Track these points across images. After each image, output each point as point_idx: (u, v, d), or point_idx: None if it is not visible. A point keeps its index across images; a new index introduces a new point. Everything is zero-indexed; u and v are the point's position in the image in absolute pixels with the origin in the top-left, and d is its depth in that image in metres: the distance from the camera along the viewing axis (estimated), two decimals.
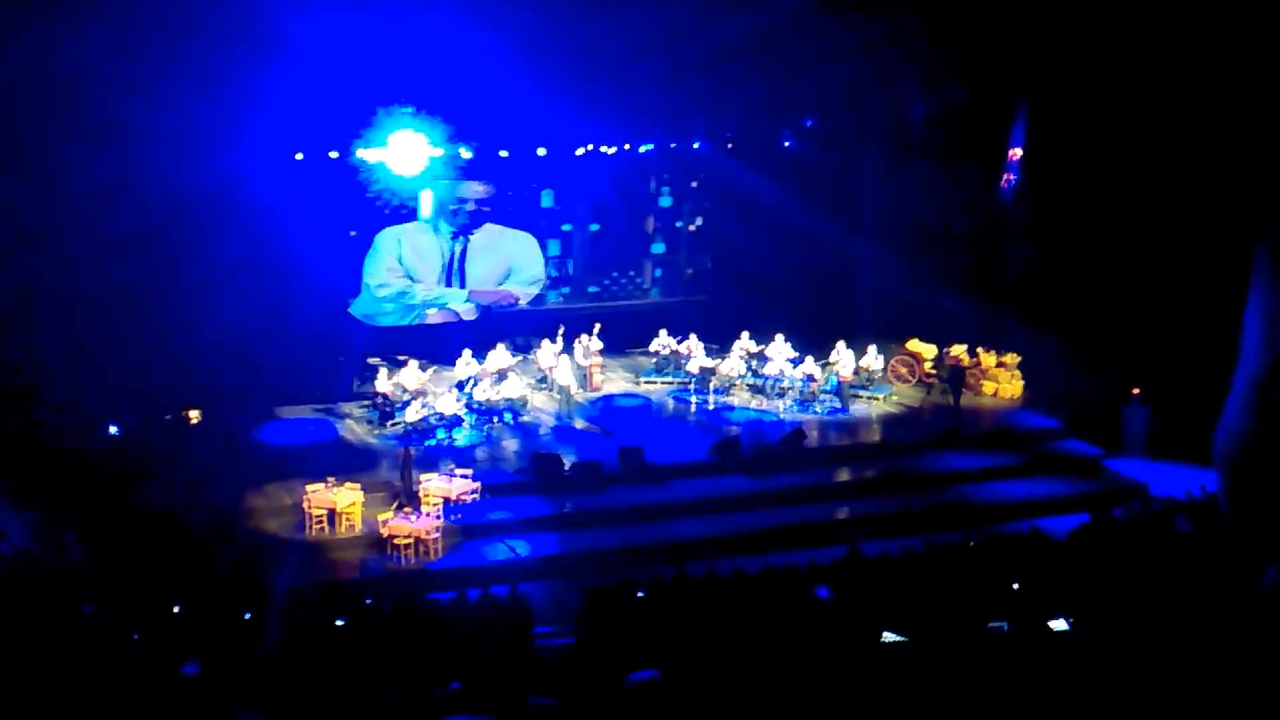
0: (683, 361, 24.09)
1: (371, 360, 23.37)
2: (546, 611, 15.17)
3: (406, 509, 17.89)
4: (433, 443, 20.58)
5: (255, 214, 21.88)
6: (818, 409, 22.97)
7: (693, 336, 24.30)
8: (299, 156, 22.20)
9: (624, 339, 25.45)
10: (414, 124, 22.50)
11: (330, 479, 18.19)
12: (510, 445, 21.01)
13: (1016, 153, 24.80)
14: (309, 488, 17.96)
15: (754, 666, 10.17)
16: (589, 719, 8.97)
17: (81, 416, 19.09)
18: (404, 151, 22.82)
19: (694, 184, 26.62)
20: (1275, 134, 15.15)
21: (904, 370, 24.35)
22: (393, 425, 21.18)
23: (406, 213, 24.38)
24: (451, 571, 17.06)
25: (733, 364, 23.61)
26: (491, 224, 25.14)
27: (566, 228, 25.99)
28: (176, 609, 13.37)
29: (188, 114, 19.63)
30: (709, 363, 23.63)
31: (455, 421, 21.04)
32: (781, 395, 23.24)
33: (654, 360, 24.68)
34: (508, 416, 21.85)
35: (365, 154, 22.73)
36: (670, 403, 23.60)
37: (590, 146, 24.70)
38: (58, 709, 9.29)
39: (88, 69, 18.39)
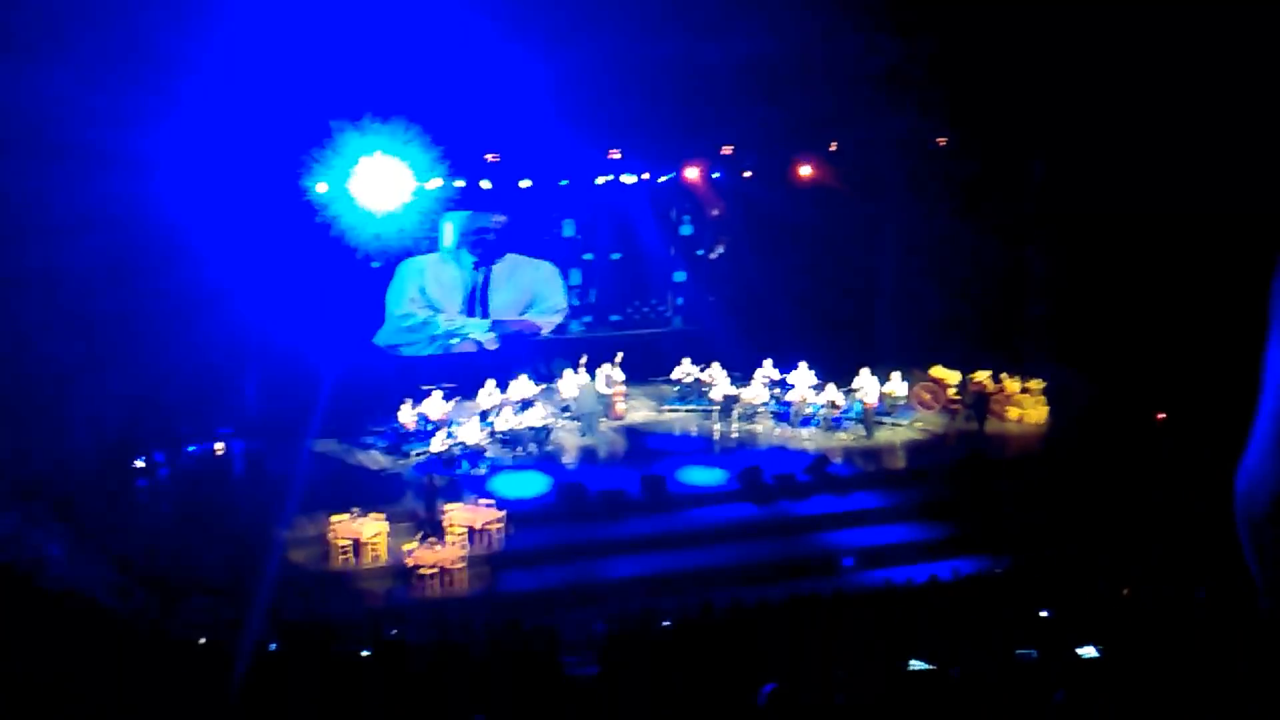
0: (705, 389, 24.10)
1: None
2: (572, 640, 15.13)
3: (431, 539, 17.93)
4: (457, 472, 20.62)
5: (273, 242, 21.96)
6: (842, 436, 22.94)
7: (715, 364, 24.31)
8: (323, 188, 22.22)
9: (647, 367, 25.49)
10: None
11: (355, 509, 18.25)
12: (535, 473, 21.03)
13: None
14: (333, 518, 18.03)
15: (781, 695, 10.12)
16: None
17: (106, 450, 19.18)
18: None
19: (715, 212, 26.65)
20: None
21: (928, 396, 24.29)
22: (416, 455, 21.25)
23: (428, 244, 24.49)
24: (476, 600, 17.08)
25: (756, 391, 23.60)
26: (513, 254, 25.23)
27: (588, 257, 26.06)
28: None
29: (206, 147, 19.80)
30: (732, 390, 23.63)
31: (479, 451, 21.10)
32: (805, 422, 23.22)
33: (677, 388, 24.70)
34: (532, 448, 21.88)
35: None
36: (693, 431, 23.60)
37: (611, 176, 24.78)
38: None
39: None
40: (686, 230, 26.78)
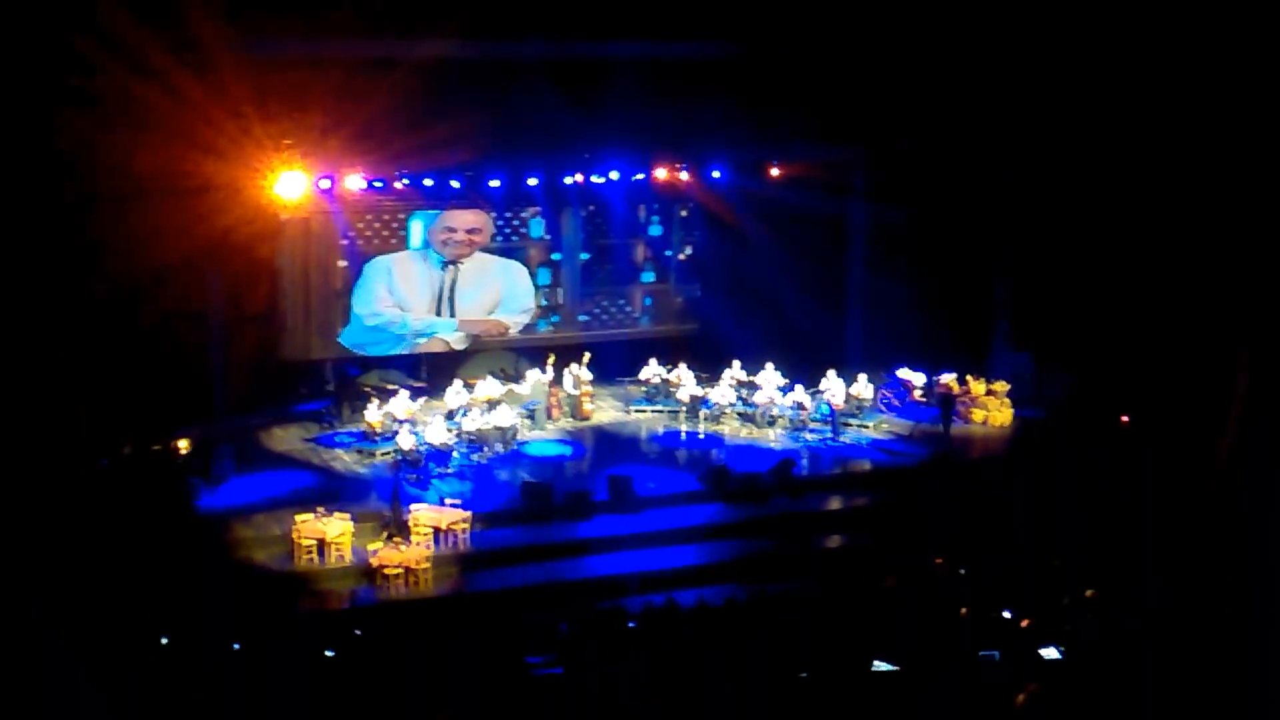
0: (673, 390, 24.09)
1: (364, 388, 23.35)
2: (537, 640, 15.08)
3: (396, 539, 17.84)
4: (423, 473, 20.52)
5: (248, 241, 21.80)
6: (808, 437, 22.98)
7: (682, 365, 24.31)
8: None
9: (614, 368, 25.44)
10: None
11: (319, 509, 18.13)
12: (500, 474, 20.97)
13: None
14: (298, 517, 17.91)
15: (745, 694, 10.14)
16: None
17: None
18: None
19: (683, 213, 26.66)
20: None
21: (894, 398, 24.37)
22: (382, 455, 21.13)
23: (396, 242, 24.39)
24: (441, 600, 17.01)
25: (722, 392, 23.61)
26: (481, 253, 25.17)
27: (556, 256, 26.02)
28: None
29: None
30: (699, 391, 23.64)
31: (445, 451, 21.00)
32: (771, 424, 23.25)
33: (644, 389, 24.68)
34: (498, 447, 21.81)
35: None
36: (660, 432, 23.59)
37: (580, 176, 24.77)
38: None
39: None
40: (655, 230, 26.77)
